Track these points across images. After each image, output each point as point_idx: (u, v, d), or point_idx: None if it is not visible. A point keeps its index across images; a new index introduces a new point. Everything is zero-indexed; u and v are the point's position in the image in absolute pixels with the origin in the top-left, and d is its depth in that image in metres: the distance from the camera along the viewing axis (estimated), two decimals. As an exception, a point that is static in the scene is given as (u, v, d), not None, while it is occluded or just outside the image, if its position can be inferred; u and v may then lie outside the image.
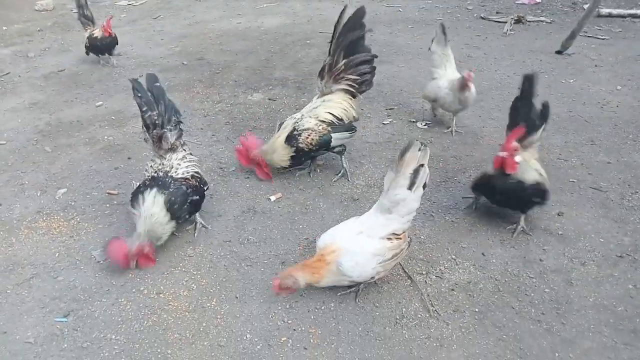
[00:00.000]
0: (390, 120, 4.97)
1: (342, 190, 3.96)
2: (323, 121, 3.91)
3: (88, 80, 6.15)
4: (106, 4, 9.68)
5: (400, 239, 2.86)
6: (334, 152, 4.06)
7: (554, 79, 5.82)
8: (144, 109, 3.30)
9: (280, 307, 2.93)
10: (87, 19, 6.62)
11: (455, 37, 7.17)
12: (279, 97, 5.56)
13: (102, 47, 6.45)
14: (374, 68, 4.05)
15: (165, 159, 3.38)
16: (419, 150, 2.77)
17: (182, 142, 3.49)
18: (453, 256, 3.26)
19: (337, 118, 3.93)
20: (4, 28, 8.24)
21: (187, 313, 2.89)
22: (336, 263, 2.72)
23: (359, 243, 2.77)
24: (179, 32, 7.89)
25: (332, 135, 3.91)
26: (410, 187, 2.76)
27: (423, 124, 4.87)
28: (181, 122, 3.49)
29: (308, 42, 7.24)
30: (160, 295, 3.01)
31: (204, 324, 2.82)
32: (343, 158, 4.12)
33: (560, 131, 4.69)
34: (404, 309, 2.89)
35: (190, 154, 3.55)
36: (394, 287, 3.04)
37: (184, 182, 3.31)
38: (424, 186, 2.84)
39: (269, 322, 2.83)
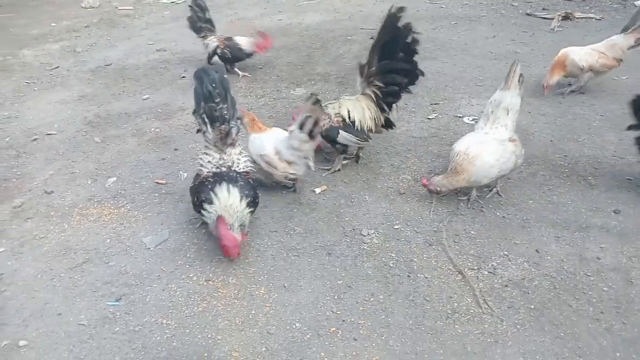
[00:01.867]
0: (435, 115, 4.89)
1: (387, 184, 3.91)
2: (339, 114, 3.88)
3: (134, 74, 6.27)
4: (150, 1, 9.85)
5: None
6: (335, 148, 4.00)
7: (606, 76, 5.61)
8: (217, 100, 3.24)
9: (329, 297, 2.90)
10: (209, 24, 6.25)
11: (501, 33, 7.04)
12: (321, 92, 5.53)
13: (234, 58, 5.96)
14: (405, 83, 3.79)
15: (225, 153, 3.32)
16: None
17: (238, 138, 3.46)
18: (505, 252, 3.17)
19: (349, 119, 3.85)
20: (53, 24, 8.47)
21: (235, 300, 2.90)
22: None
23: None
24: (221, 29, 7.93)
25: (341, 132, 3.85)
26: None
27: (470, 119, 4.77)
28: (240, 118, 3.49)
29: (349, 38, 7.20)
30: (209, 282, 3.02)
31: (253, 312, 2.82)
32: (340, 157, 4.08)
33: (613, 128, 4.52)
34: (455, 304, 2.82)
35: (244, 148, 3.55)
36: (444, 281, 2.98)
37: (247, 176, 3.31)
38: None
39: (317, 312, 2.81)
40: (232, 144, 3.37)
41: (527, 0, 8.66)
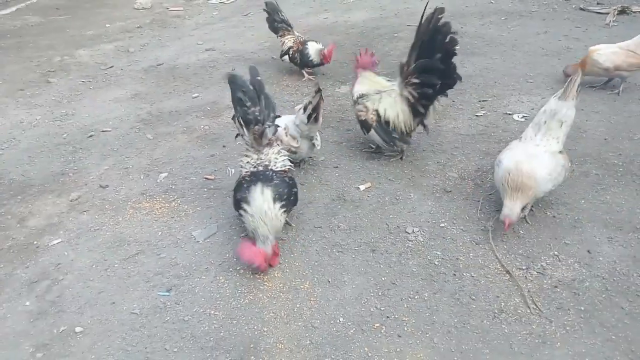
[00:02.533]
0: (483, 112, 4.81)
1: (433, 181, 3.88)
2: (375, 111, 3.95)
3: (184, 73, 6.44)
4: (199, 2, 10.09)
5: None
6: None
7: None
8: (248, 104, 3.26)
9: (373, 293, 2.91)
10: (285, 24, 6.26)
11: (553, 29, 6.83)
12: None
13: (302, 64, 5.93)
14: (437, 87, 3.68)
15: (262, 153, 3.35)
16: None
17: (275, 137, 3.48)
18: (556, 252, 3.09)
19: (384, 119, 3.91)
20: (107, 25, 8.80)
21: (281, 294, 2.95)
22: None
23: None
24: (268, 28, 8.06)
25: (372, 129, 3.97)
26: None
27: (520, 116, 4.67)
28: (278, 117, 3.50)
29: (395, 35, 7.16)
30: (256, 275, 3.09)
31: (298, 305, 2.86)
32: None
33: (673, 126, 4.32)
34: (502, 304, 2.78)
35: (283, 148, 3.56)
36: (491, 281, 2.93)
37: (284, 175, 3.31)
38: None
39: (361, 307, 2.83)
40: (269, 144, 3.39)
41: (581, -6, 8.38)
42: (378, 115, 3.95)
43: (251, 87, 3.32)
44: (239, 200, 3.14)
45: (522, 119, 4.61)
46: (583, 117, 4.57)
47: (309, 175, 4.06)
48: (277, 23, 6.25)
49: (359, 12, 8.51)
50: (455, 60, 3.64)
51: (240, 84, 3.31)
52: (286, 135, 3.88)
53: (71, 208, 3.91)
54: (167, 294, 3.02)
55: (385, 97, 3.98)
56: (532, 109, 4.78)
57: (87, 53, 7.47)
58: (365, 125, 4.02)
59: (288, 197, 3.19)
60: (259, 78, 3.39)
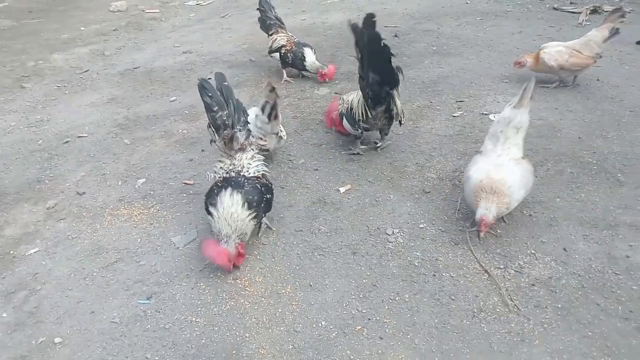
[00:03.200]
0: (460, 112, 4.86)
1: (412, 183, 3.91)
2: (349, 101, 4.21)
3: (161, 76, 6.39)
4: (175, 4, 10.01)
5: None
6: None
7: (636, 71, 5.51)
8: (215, 108, 3.28)
9: (354, 296, 2.93)
10: (279, 21, 6.19)
11: (527, 28, 6.94)
12: (345, 91, 5.53)
13: (293, 65, 5.87)
14: (382, 94, 3.86)
15: (235, 159, 3.34)
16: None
17: (250, 142, 3.46)
18: (532, 251, 3.14)
19: (350, 107, 4.16)
20: (82, 28, 8.68)
21: (263, 298, 2.95)
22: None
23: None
24: (245, 30, 8.05)
25: (344, 118, 4.25)
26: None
27: (496, 116, 4.72)
28: (249, 123, 3.49)
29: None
30: (237, 280, 3.08)
31: (280, 310, 2.87)
32: (357, 141, 4.37)
33: (644, 124, 4.43)
34: (481, 303, 2.82)
35: (258, 153, 3.53)
36: (470, 280, 2.97)
37: (257, 181, 3.27)
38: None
39: (343, 310, 2.84)
40: (242, 149, 3.37)
41: (555, -6, 8.53)
42: (350, 105, 4.18)
43: (218, 93, 3.34)
44: (209, 205, 3.14)
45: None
46: (557, 116, 4.65)
47: (289, 179, 4.06)
48: (269, 21, 6.17)
49: (337, 14, 8.53)
50: (393, 61, 3.72)
51: (207, 89, 3.32)
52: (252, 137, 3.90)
53: (48, 216, 3.86)
54: (148, 301, 2.99)
55: (357, 92, 4.19)
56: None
57: (62, 57, 7.37)
58: (340, 116, 4.32)
59: (259, 204, 3.16)
60: (225, 83, 3.41)
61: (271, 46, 6.00)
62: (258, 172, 3.36)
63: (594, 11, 7.49)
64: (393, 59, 3.70)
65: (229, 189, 3.10)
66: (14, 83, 6.51)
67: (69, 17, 9.40)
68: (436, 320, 2.74)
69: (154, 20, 9.05)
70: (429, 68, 5.95)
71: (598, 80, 5.32)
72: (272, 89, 3.76)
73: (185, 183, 4.08)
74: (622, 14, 4.97)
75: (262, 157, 3.53)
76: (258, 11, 6.27)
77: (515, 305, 2.78)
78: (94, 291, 3.12)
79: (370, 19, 3.58)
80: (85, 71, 6.79)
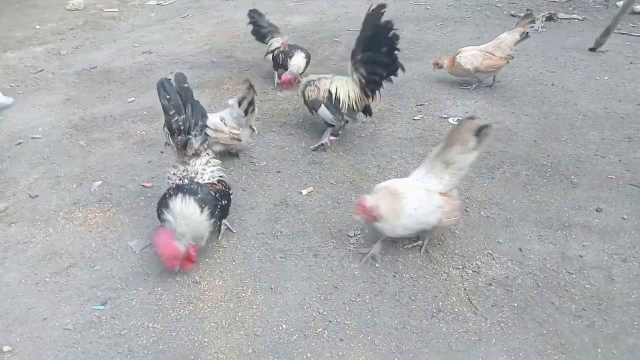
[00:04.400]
0: (421, 116, 4.93)
1: (374, 184, 3.92)
2: (327, 90, 4.24)
3: (120, 77, 6.24)
4: (135, 3, 9.81)
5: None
6: (325, 123, 4.39)
7: (588, 76, 5.71)
8: (171, 112, 3.16)
9: (315, 298, 2.92)
10: (273, 27, 6.06)
11: (485, 34, 7.09)
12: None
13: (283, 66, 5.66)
14: (383, 75, 4.00)
15: (189, 164, 3.24)
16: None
17: (205, 147, 3.37)
18: (489, 251, 3.21)
19: (335, 97, 4.20)
20: (37, 27, 8.41)
21: (222, 303, 2.90)
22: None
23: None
24: (207, 31, 7.96)
25: (322, 106, 4.25)
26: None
27: (455, 119, 4.81)
28: (207, 127, 3.38)
29: (336, 39, 7.23)
30: (196, 285, 3.02)
31: (240, 314, 2.83)
32: (328, 131, 4.43)
33: (596, 127, 4.59)
34: (440, 303, 2.85)
35: (214, 158, 3.43)
36: (429, 281, 3.01)
37: (211, 188, 3.16)
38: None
39: (304, 313, 2.83)
40: (197, 154, 3.28)
41: (511, 2, 8.78)
42: (330, 94, 4.22)
43: (177, 95, 3.21)
44: (161, 211, 3.04)
45: (457, 123, 4.75)
46: (514, 119, 4.77)
47: (251, 181, 4.03)
48: (263, 30, 6.03)
49: (299, 16, 8.53)
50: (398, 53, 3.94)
51: (167, 90, 3.19)
52: (225, 126, 4.06)
53: (-3, 220, 3.70)
54: (102, 307, 2.90)
55: (336, 79, 4.29)
56: (466, 112, 4.95)
57: (16, 56, 7.10)
58: (315, 104, 4.31)
59: (213, 212, 3.05)
60: (185, 85, 3.29)
61: (267, 50, 5.89)
62: (213, 177, 3.26)
63: (550, 18, 7.74)
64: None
65: (180, 195, 2.98)
66: (-37, 82, 6.24)
67: (24, 15, 9.08)
68: (396, 321, 2.76)
69: (112, 19, 8.84)
70: (391, 71, 6.01)
71: (553, 85, 5.48)
72: (250, 86, 3.89)
73: (143, 185, 3.99)
74: (532, 20, 5.28)
75: (219, 162, 3.43)
76: (251, 24, 6.12)
77: (473, 305, 2.83)
78: (47, 297, 3.00)
79: (380, 9, 3.80)
80: (40, 71, 6.56)
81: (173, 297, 2.94)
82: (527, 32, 5.21)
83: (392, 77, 4.04)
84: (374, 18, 3.83)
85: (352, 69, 4.15)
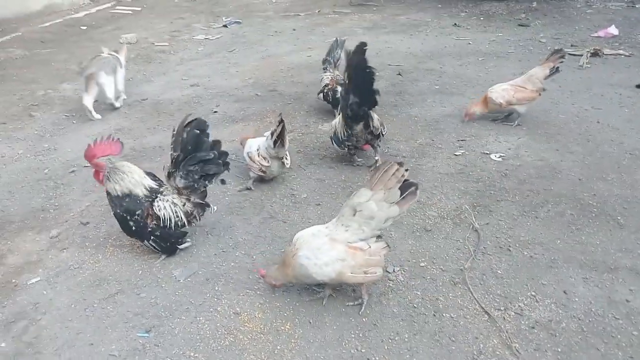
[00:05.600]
0: (462, 151, 4.92)
1: (414, 220, 3.93)
2: (333, 124, 4.83)
3: (168, 109, 6.49)
4: (184, 38, 10.23)
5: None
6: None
7: (635, 113, 5.59)
8: (171, 146, 3.56)
9: (354, 335, 2.92)
10: (333, 62, 6.13)
11: (529, 70, 7.03)
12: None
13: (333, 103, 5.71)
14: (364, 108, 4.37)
15: (169, 191, 3.58)
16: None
17: (189, 191, 3.56)
18: (533, 293, 3.14)
19: (334, 129, 4.74)
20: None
21: (262, 335, 2.94)
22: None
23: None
24: (252, 65, 8.21)
25: (332, 138, 4.79)
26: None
27: (497, 156, 4.78)
28: (204, 180, 3.55)
29: (377, 74, 7.31)
30: (237, 315, 3.08)
31: (279, 347, 2.86)
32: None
33: (645, 167, 4.48)
34: (481, 345, 2.81)
35: (190, 210, 3.58)
36: (470, 322, 2.97)
37: (148, 215, 3.44)
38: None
39: (342, 349, 2.83)
40: (179, 192, 3.59)
41: (555, 37, 8.72)
42: (334, 128, 4.71)
43: (180, 135, 3.50)
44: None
45: (500, 159, 4.73)
46: (558, 157, 4.71)
47: (291, 213, 4.09)
48: (326, 57, 6.22)
49: (343, 52, 8.69)
50: (375, 85, 4.31)
51: (177, 128, 3.54)
52: (258, 156, 4.34)
53: (51, 245, 3.88)
54: (147, 335, 2.99)
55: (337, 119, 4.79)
56: (509, 149, 4.92)
57: (72, 87, 7.49)
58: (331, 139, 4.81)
59: (123, 222, 3.51)
60: (197, 132, 3.47)
61: (320, 86, 5.97)
62: (160, 211, 3.46)
63: (595, 54, 7.64)
64: (376, 83, 4.29)
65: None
66: (23, 112, 6.62)
67: (80, 48, 9.59)
68: (435, 362, 2.73)
69: (162, 53, 9.23)
70: (432, 106, 6.05)
71: (598, 122, 5.39)
72: (281, 120, 4.10)
73: (188, 215, 4.11)
74: (563, 55, 5.30)
75: (183, 212, 3.55)
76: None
77: (515, 348, 2.77)
78: (94, 323, 3.11)
79: (361, 47, 4.17)
80: (95, 102, 6.88)
81: (214, 327, 3.00)
82: (557, 67, 5.26)
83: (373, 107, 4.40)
84: (351, 59, 4.20)
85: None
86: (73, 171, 4.98)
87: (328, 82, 5.84)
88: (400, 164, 2.73)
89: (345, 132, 4.53)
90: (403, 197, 2.76)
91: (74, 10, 12.84)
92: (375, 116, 4.55)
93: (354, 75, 4.24)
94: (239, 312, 3.10)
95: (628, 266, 3.32)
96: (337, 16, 11.39)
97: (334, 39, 6.32)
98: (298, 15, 11.66)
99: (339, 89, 5.63)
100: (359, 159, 4.85)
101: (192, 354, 2.83)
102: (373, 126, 4.49)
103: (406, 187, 2.76)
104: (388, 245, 3.00)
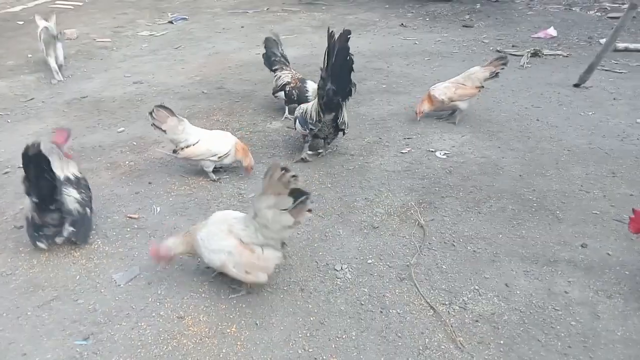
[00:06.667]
0: (408, 149, 4.98)
1: (361, 217, 3.94)
2: (301, 108, 4.86)
3: (110, 107, 6.26)
4: (128, 34, 9.90)
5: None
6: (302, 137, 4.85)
7: (573, 112, 5.82)
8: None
9: (301, 335, 2.89)
10: (284, 59, 6.05)
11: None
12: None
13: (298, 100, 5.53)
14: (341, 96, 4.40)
15: None
16: None
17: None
18: (476, 287, 3.21)
19: (304, 112, 4.74)
20: (29, 55, 8.43)
21: (207, 339, 2.86)
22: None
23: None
24: (199, 62, 8.04)
25: (298, 118, 4.80)
26: None
27: (442, 153, 4.87)
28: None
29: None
30: (180, 320, 2.98)
31: (224, 350, 2.79)
32: (305, 146, 4.83)
33: (580, 163, 4.66)
34: (427, 340, 2.83)
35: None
36: (416, 317, 2.99)
37: None
38: None
39: (289, 349, 2.79)
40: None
41: (498, 38, 8.98)
42: (305, 110, 4.71)
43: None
44: None
45: (444, 156, 4.81)
46: (500, 154, 4.84)
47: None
48: (274, 58, 6.01)
49: (291, 49, 8.62)
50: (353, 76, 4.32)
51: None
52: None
53: (-20, 251, 3.65)
54: (85, 342, 2.85)
55: (310, 103, 4.79)
56: (453, 146, 5.02)
57: (6, 84, 7.10)
58: (294, 119, 4.85)
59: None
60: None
61: (275, 85, 5.84)
62: None
63: (535, 54, 7.92)
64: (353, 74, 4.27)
65: None
66: (-49, 110, 6.22)
67: (16, 44, 9.11)
68: (382, 359, 2.73)
69: (104, 49, 8.89)
70: (379, 105, 6.10)
71: (538, 120, 5.58)
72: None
73: (129, 217, 3.96)
74: (505, 62, 5.47)
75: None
76: (264, 48, 6.12)
77: (460, 342, 2.81)
78: (28, 331, 2.94)
79: (346, 34, 4.11)
80: (30, 99, 6.57)
81: (156, 333, 2.90)
82: (497, 72, 5.42)
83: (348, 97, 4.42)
84: (334, 43, 4.12)
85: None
86: (6, 172, 4.71)
87: (289, 80, 5.72)
88: (286, 169, 2.68)
89: (316, 117, 4.52)
90: (295, 206, 2.76)
91: (10, 4, 12.22)
92: (345, 110, 4.58)
93: (335, 61, 4.17)
94: (182, 316, 3.01)
95: (566, 258, 3.44)
96: (285, 14, 11.34)
97: (266, 37, 6.16)
98: (246, 12, 11.52)
99: (309, 83, 5.61)
100: (309, 152, 4.84)
101: (132, 360, 2.73)
102: (342, 119, 4.53)
103: (298, 196, 2.74)
104: (285, 257, 3.14)
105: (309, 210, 2.90)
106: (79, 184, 3.78)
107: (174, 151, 4.38)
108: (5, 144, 5.32)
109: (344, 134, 4.72)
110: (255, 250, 2.94)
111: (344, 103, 4.48)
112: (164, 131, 4.23)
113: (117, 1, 12.82)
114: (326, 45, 4.17)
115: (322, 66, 4.28)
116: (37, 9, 11.78)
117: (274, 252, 2.99)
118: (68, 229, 3.50)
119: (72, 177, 3.77)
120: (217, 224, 3.04)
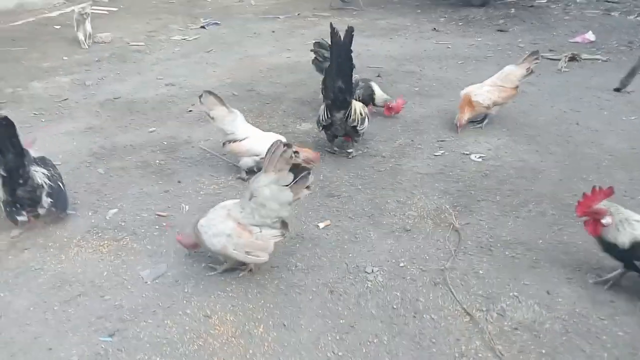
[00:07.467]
0: (442, 152, 4.84)
1: (393, 220, 3.83)
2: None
3: (142, 107, 6.29)
4: (161, 38, 10.02)
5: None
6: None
7: (614, 116, 5.60)
8: None
9: (330, 338, 2.78)
10: None
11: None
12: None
13: None
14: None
15: None
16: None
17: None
18: (515, 293, 3.05)
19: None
20: (65, 58, 8.60)
21: (233, 339, 2.78)
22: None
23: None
24: (230, 65, 8.05)
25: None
26: None
27: (477, 156, 4.72)
28: None
29: (355, 75, 7.23)
30: (207, 318, 2.91)
31: (251, 351, 2.70)
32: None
33: (623, 168, 4.45)
34: (463, 347, 2.69)
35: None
36: (452, 323, 2.85)
37: None
38: None
39: (318, 352, 2.69)
40: None
41: (534, 42, 8.76)
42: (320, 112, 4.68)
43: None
44: None
45: (480, 159, 4.66)
46: (538, 158, 4.66)
47: (267, 213, 3.94)
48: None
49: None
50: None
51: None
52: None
53: (11, 245, 3.65)
54: (109, 339, 2.80)
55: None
56: (489, 149, 4.86)
57: (42, 85, 7.23)
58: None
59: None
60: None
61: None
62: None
63: (573, 58, 7.67)
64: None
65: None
66: (-11, 109, 6.35)
67: (52, 47, 9.30)
68: (416, 365, 2.61)
69: (138, 52, 9.00)
70: (412, 108, 5.97)
71: (577, 124, 5.38)
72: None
73: (158, 215, 3.93)
74: (537, 58, 5.37)
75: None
76: (313, 52, 6.12)
77: (498, 350, 2.66)
78: (54, 326, 2.91)
79: (350, 32, 4.13)
80: (64, 100, 6.66)
81: (182, 331, 2.83)
82: (532, 69, 5.30)
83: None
84: (338, 41, 4.16)
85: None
86: (39, 170, 4.75)
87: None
88: (288, 145, 2.80)
89: (326, 117, 4.51)
90: (295, 182, 2.87)
91: (48, 9, 12.51)
92: (358, 109, 4.55)
93: (340, 59, 4.21)
94: (209, 315, 2.94)
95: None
96: (316, 19, 11.30)
97: (316, 41, 6.16)
98: (277, 17, 11.53)
99: (373, 84, 5.67)
100: (336, 149, 4.85)
101: (157, 358, 2.66)
102: (352, 118, 4.46)
103: (299, 171, 2.88)
104: (283, 235, 3.12)
105: (308, 187, 3.00)
106: (45, 162, 3.85)
107: (223, 143, 4.38)
108: (39, 142, 5.35)
109: (358, 131, 4.59)
110: (254, 230, 3.00)
111: (353, 100, 4.50)
112: (212, 118, 4.24)
113: (151, 7, 13.02)
114: (335, 44, 4.22)
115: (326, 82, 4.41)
116: (73, 14, 12.04)
117: (271, 231, 3.05)
118: (46, 200, 3.61)
119: (37, 158, 3.84)
120: (216, 210, 3.12)
